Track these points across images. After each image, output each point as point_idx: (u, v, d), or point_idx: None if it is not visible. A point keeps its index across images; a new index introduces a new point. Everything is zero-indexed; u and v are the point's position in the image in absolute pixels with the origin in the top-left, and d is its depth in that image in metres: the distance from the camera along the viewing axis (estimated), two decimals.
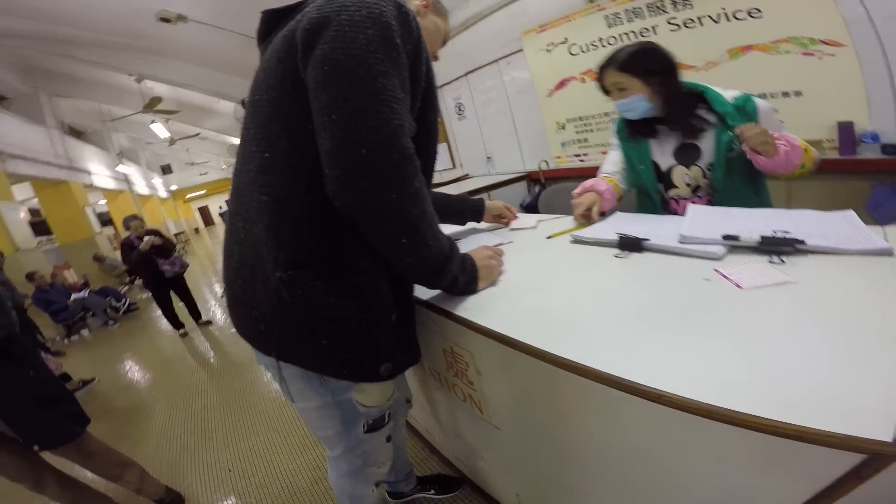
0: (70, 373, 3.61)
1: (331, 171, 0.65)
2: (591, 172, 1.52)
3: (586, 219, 1.23)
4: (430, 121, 0.81)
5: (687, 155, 1.26)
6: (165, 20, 3.88)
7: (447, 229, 1.45)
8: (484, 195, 3.30)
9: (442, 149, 4.52)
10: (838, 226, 0.85)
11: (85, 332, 5.81)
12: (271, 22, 0.82)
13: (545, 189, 3.32)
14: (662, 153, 1.31)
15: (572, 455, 0.83)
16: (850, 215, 0.89)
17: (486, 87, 3.80)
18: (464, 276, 0.85)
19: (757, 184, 1.26)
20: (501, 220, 1.42)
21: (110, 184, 10.49)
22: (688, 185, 1.29)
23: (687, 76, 2.51)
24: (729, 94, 1.21)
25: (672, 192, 1.33)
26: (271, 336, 0.77)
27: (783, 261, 0.74)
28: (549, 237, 1.19)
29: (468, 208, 1.37)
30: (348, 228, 0.72)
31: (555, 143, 3.41)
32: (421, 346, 1.07)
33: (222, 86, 5.85)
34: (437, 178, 4.57)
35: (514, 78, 3.52)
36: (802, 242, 0.76)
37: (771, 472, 0.51)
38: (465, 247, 1.20)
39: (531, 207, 3.33)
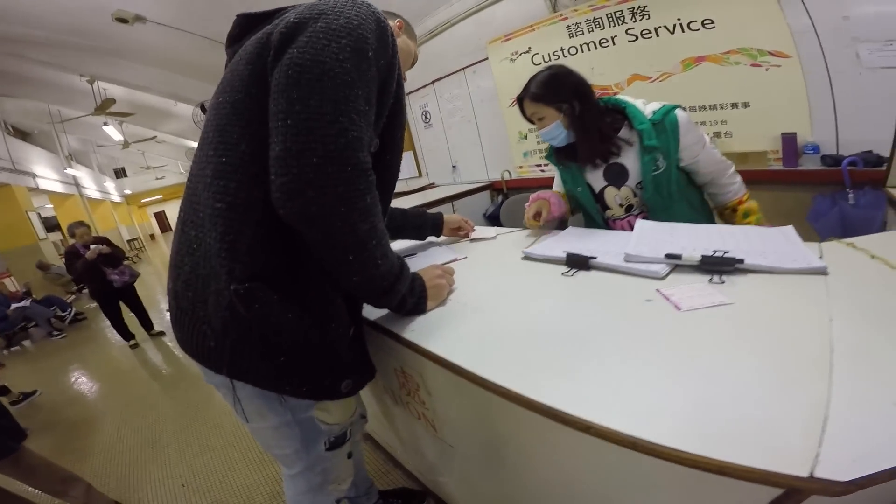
0: (10, 385, 3.39)
1: (277, 177, 0.62)
2: (552, 182, 1.54)
3: (536, 219, 1.29)
4: (396, 137, 0.81)
5: (615, 176, 1.27)
6: (122, 20, 3.68)
7: (405, 244, 1.46)
8: (448, 205, 3.30)
9: (408, 157, 4.49)
10: (777, 243, 0.88)
11: (27, 343, 5.52)
12: (245, 26, 0.80)
13: (507, 199, 3.35)
14: (594, 175, 1.31)
15: (518, 476, 0.83)
16: (789, 231, 0.92)
17: (452, 95, 3.80)
18: (412, 297, 0.84)
19: (690, 198, 1.28)
20: (459, 232, 1.42)
21: (58, 187, 9.89)
22: (620, 205, 1.31)
23: (641, 88, 2.60)
24: (650, 108, 1.21)
25: (608, 213, 1.35)
26: (222, 353, 0.72)
27: (723, 280, 0.76)
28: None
29: (427, 223, 1.37)
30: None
31: (517, 153, 3.44)
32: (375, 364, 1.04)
33: (181, 89, 5.62)
34: (402, 187, 4.50)
35: (479, 86, 3.53)
36: (742, 261, 0.78)
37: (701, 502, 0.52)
38: (423, 261, 1.19)
39: (494, 217, 3.35)
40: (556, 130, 1.21)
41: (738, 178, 1.28)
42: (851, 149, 1.94)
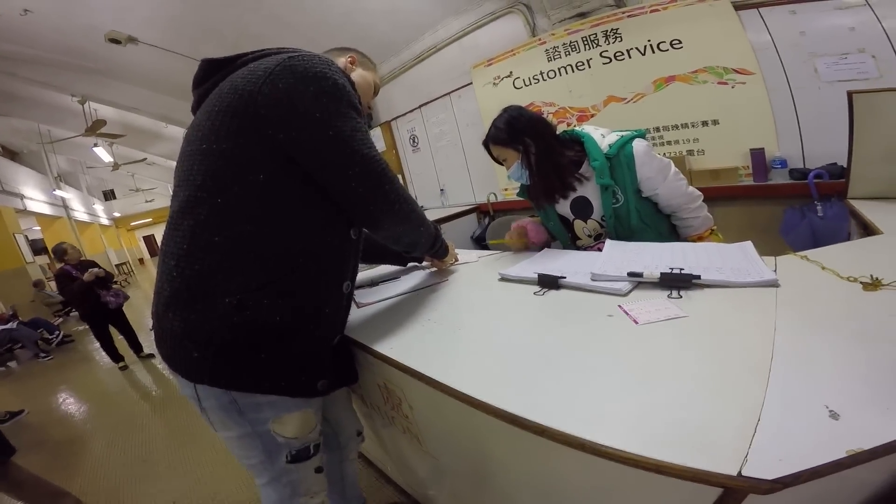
0: None
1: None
2: None
3: (517, 242, 1.40)
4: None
5: (581, 209, 1.31)
6: (115, 41, 3.75)
7: (389, 268, 1.50)
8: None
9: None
10: (735, 258, 0.94)
11: (13, 364, 5.48)
12: (209, 70, 0.88)
13: (493, 221, 3.41)
14: (563, 208, 1.36)
15: (495, 484, 0.87)
16: (748, 246, 0.98)
17: (438, 119, 3.89)
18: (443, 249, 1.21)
19: (658, 226, 1.30)
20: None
21: (46, 209, 9.82)
22: (589, 235, 1.36)
23: (617, 109, 2.71)
24: (607, 140, 1.23)
25: (579, 243, 1.40)
26: (204, 362, 0.79)
27: (681, 295, 0.82)
28: (490, 242, 1.37)
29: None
30: (299, 259, 0.81)
31: (502, 176, 3.47)
32: (360, 379, 1.08)
33: (171, 110, 5.68)
34: None
35: (464, 110, 3.63)
36: (698, 277, 0.83)
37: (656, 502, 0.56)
38: (406, 283, 1.25)
39: (481, 239, 3.41)
40: (520, 170, 1.27)
41: (703, 213, 1.30)
42: (817, 161, 2.03)
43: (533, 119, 1.26)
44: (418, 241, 1.04)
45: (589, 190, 1.27)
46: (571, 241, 1.41)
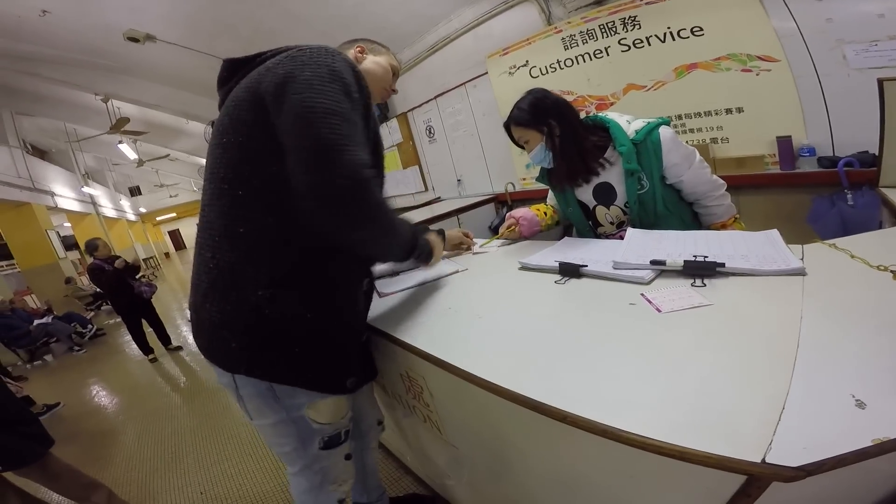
0: (33, 397, 3.53)
1: (312, 200, 0.74)
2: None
3: (509, 231, 1.45)
4: (380, 166, 0.91)
5: (604, 195, 1.30)
6: (133, 39, 3.82)
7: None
8: (454, 218, 3.36)
9: (413, 172, 4.59)
10: (760, 246, 0.92)
11: (48, 358, 5.71)
12: (231, 69, 0.90)
13: (511, 211, 3.39)
14: (585, 194, 1.35)
15: (515, 473, 0.88)
16: (774, 235, 0.96)
17: (454, 109, 3.86)
18: (426, 251, 1.05)
19: (682, 214, 1.29)
20: (461, 247, 1.48)
21: (75, 206, 10.15)
22: (611, 223, 1.34)
23: (637, 97, 2.65)
24: (633, 126, 1.22)
25: (600, 230, 1.39)
26: (242, 352, 0.83)
27: (705, 283, 0.81)
28: (481, 245, 1.44)
29: None
30: (324, 253, 0.83)
31: (520, 165, 3.47)
32: (380, 370, 1.10)
33: (191, 106, 5.79)
34: (410, 202, 4.60)
35: (480, 100, 3.59)
36: (723, 265, 0.82)
37: (676, 490, 0.56)
38: (426, 273, 1.25)
39: (498, 229, 3.39)
40: (542, 153, 1.26)
41: (726, 202, 1.28)
42: (847, 149, 1.96)
43: (558, 101, 1.25)
44: (384, 252, 0.95)
45: (613, 176, 1.26)
46: (591, 229, 1.40)
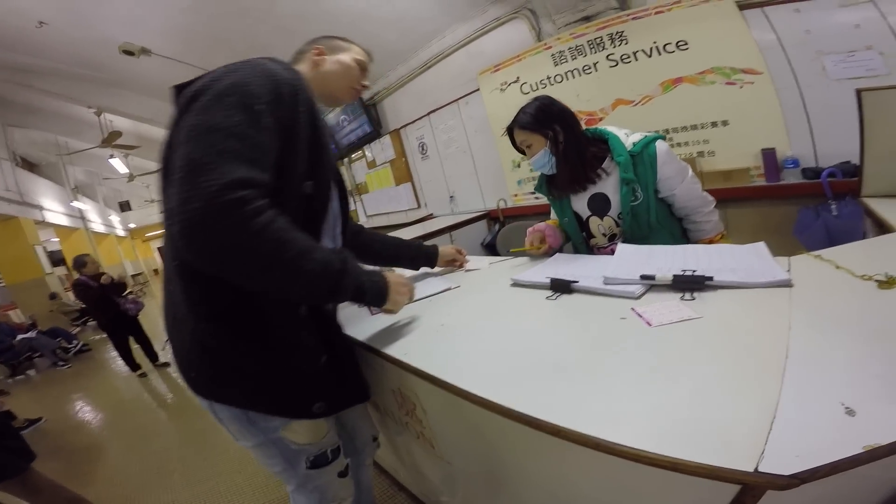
0: (15, 411, 3.42)
1: (170, 227, 0.67)
2: (546, 209, 1.61)
3: (533, 247, 1.37)
4: (320, 177, 0.85)
5: (599, 206, 1.33)
6: (129, 53, 3.83)
7: (403, 273, 1.52)
8: (447, 235, 3.37)
9: (406, 188, 4.60)
10: (748, 259, 0.93)
11: (32, 373, 5.64)
12: (176, 96, 0.83)
13: (503, 227, 3.40)
14: (580, 204, 1.37)
15: (509, 489, 0.87)
16: (761, 247, 0.98)
17: (447, 126, 3.90)
18: (371, 289, 0.86)
19: (672, 228, 1.32)
20: (454, 264, 1.48)
21: (64, 220, 10.00)
22: (604, 234, 1.36)
23: (625, 112, 2.70)
24: (632, 139, 1.26)
25: (592, 241, 1.41)
26: (201, 379, 0.84)
27: (694, 297, 0.82)
28: (511, 251, 1.37)
29: (421, 254, 1.43)
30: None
31: (511, 182, 3.50)
32: (373, 386, 1.08)
33: None
34: (402, 218, 4.59)
35: (472, 117, 3.63)
36: (711, 279, 0.83)
37: (671, 502, 0.56)
38: (419, 290, 1.24)
39: (491, 246, 3.40)
40: (545, 158, 1.28)
41: (715, 218, 1.32)
42: (829, 160, 2.01)
43: (563, 109, 1.28)
44: (276, 290, 0.77)
45: (608, 187, 1.29)
46: (585, 240, 1.42)
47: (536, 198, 3.36)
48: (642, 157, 1.22)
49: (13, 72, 4.80)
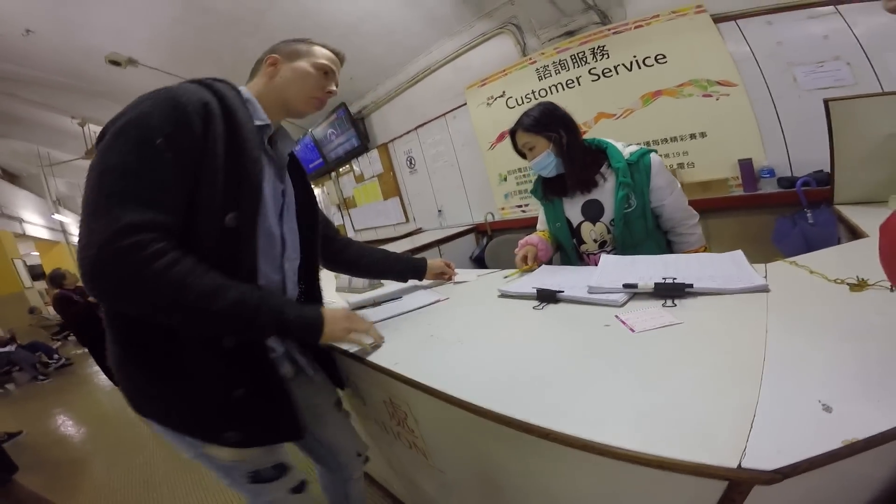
0: None
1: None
2: (533, 222, 1.64)
3: (526, 263, 1.34)
4: (246, 207, 0.81)
5: (592, 211, 1.37)
6: (115, 63, 3.77)
7: (392, 286, 1.53)
8: (436, 249, 3.37)
9: (394, 202, 4.61)
10: (726, 266, 0.97)
11: (10, 387, 5.57)
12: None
13: (491, 241, 3.42)
14: (573, 210, 1.41)
15: (504, 495, 0.87)
16: (738, 255, 1.02)
17: (434, 140, 3.92)
18: (296, 324, 0.83)
19: (658, 240, 1.37)
20: (443, 276, 1.48)
21: (44, 234, 9.79)
22: (594, 240, 1.40)
23: (608, 125, 2.76)
24: (628, 150, 1.32)
25: (583, 248, 1.44)
26: (127, 395, 0.86)
27: (675, 303, 0.85)
28: (506, 277, 1.33)
29: (409, 268, 1.43)
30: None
31: (499, 195, 3.53)
32: (364, 397, 1.08)
33: None
34: (391, 233, 4.60)
35: (459, 131, 3.66)
36: (691, 286, 0.86)
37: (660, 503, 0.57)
38: (407, 303, 1.27)
39: (479, 259, 3.42)
40: (547, 159, 1.32)
41: (699, 231, 1.37)
42: (804, 169, 2.07)
43: (566, 115, 1.34)
44: (189, 327, 0.77)
45: (603, 193, 1.33)
46: (575, 247, 1.45)
47: (523, 211, 3.41)
48: (638, 165, 1.27)
49: None
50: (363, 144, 4.58)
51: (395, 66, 3.91)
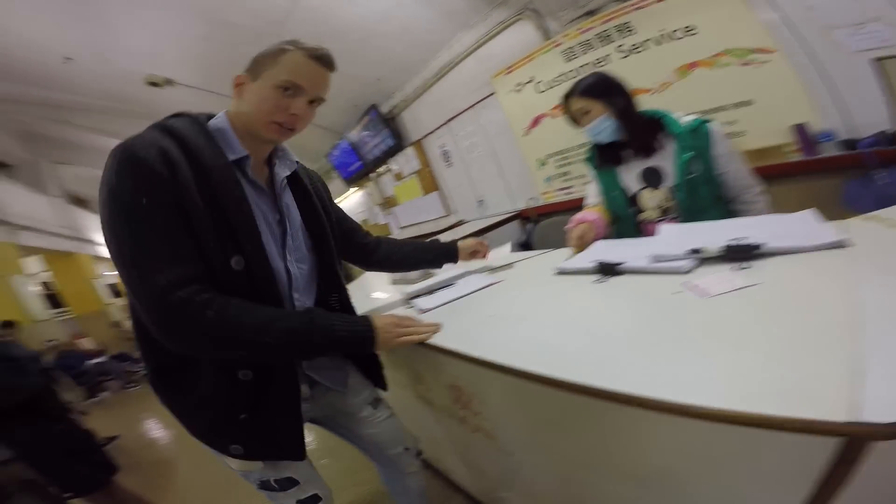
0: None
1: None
2: (578, 203, 1.60)
3: (581, 243, 1.30)
4: (249, 250, 0.81)
5: (652, 178, 1.33)
6: (154, 84, 3.94)
7: (446, 274, 1.49)
8: (481, 238, 3.36)
9: (434, 198, 4.67)
10: (798, 225, 0.92)
11: (105, 394, 6.06)
12: None
13: (537, 225, 3.36)
14: (630, 178, 1.38)
15: (582, 472, 0.86)
16: (810, 214, 0.96)
17: (467, 132, 3.92)
18: (352, 338, 0.87)
19: (721, 205, 1.31)
20: (477, 255, 1.44)
21: None
22: (656, 207, 1.35)
23: (645, 100, 2.65)
24: (685, 119, 1.29)
25: (642, 216, 1.40)
26: (164, 405, 0.94)
27: (747, 266, 0.80)
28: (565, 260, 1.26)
29: (441, 253, 1.41)
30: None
31: (539, 180, 3.48)
32: (425, 383, 1.09)
33: None
34: (432, 227, 4.66)
35: (491, 120, 3.64)
36: (761, 246, 0.81)
37: (765, 469, 0.55)
38: (461, 289, 1.26)
39: (526, 245, 3.37)
40: (604, 123, 1.29)
41: (764, 199, 1.31)
42: (861, 131, 1.95)
43: (622, 83, 1.32)
44: (248, 357, 0.83)
45: (663, 159, 1.30)
46: (632, 217, 1.41)
47: (567, 193, 3.34)
48: (698, 133, 1.25)
49: (48, 108, 4.93)
50: (398, 143, 4.65)
51: (418, 64, 3.93)
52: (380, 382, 1.16)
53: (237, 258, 0.79)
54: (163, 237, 0.73)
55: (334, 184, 6.63)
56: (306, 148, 6.01)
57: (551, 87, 3.06)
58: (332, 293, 1.04)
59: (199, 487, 2.47)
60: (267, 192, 0.91)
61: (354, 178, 5.91)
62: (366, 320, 0.90)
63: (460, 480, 1.62)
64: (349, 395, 1.10)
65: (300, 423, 0.94)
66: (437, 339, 0.95)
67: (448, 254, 1.42)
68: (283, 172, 0.94)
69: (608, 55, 2.69)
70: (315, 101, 0.87)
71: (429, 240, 1.49)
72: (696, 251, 0.88)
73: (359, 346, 0.89)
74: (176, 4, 3.11)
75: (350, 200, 6.76)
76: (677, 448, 0.63)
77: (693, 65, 2.36)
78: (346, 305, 1.07)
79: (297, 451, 0.94)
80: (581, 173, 3.15)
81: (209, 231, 0.76)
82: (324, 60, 0.86)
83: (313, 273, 1.00)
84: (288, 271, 0.92)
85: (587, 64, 2.81)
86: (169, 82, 3.98)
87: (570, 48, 2.84)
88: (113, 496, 1.63)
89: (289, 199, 0.96)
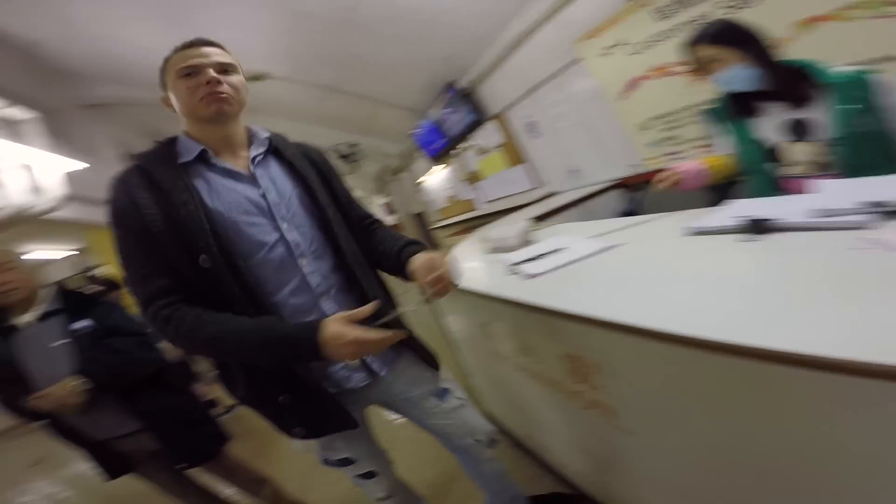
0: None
1: None
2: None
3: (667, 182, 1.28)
4: (201, 244, 0.83)
5: (799, 131, 1.17)
6: (255, 78, 4.04)
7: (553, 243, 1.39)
8: (573, 210, 3.24)
9: (520, 170, 4.55)
10: None
11: None
12: None
13: (646, 192, 3.14)
14: (769, 129, 1.23)
15: (736, 455, 0.75)
16: None
17: (553, 101, 3.74)
18: (301, 332, 0.82)
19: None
20: (437, 285, 0.99)
21: None
22: (809, 161, 1.19)
23: None
24: (834, 69, 1.12)
25: (787, 171, 1.23)
26: None
27: None
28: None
29: (395, 267, 1.07)
30: None
31: (639, 146, 3.23)
32: (535, 354, 1.06)
33: (307, 136, 6.25)
34: (518, 200, 4.52)
35: (580, 87, 3.45)
36: None
37: None
38: (568, 255, 1.19)
39: (633, 213, 3.13)
40: (740, 71, 1.17)
41: None
42: None
43: (756, 30, 1.19)
44: (236, 359, 0.94)
45: (815, 110, 1.14)
46: (769, 172, 1.26)
47: (675, 158, 3.03)
48: (857, 83, 1.08)
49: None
50: (479, 118, 4.58)
51: (490, 35, 3.81)
52: (432, 363, 1.13)
53: (203, 257, 0.83)
54: (133, 259, 0.85)
55: (419, 163, 6.82)
56: (391, 129, 6.14)
57: (648, 48, 2.81)
58: (351, 267, 0.99)
59: (304, 457, 2.63)
60: (245, 174, 0.95)
61: (439, 156, 5.98)
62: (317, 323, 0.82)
63: (554, 460, 1.55)
64: (406, 385, 1.09)
65: (330, 396, 0.97)
66: (556, 304, 0.89)
67: (399, 269, 1.05)
68: (255, 152, 0.99)
69: (706, 13, 2.39)
70: (224, 70, 0.93)
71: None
72: (876, 203, 0.75)
73: (307, 342, 0.80)
74: (254, 1, 3.24)
75: (437, 178, 6.84)
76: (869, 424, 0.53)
77: (814, 19, 2.05)
78: (371, 283, 1.01)
79: (350, 421, 0.99)
80: (691, 136, 2.86)
81: (170, 241, 0.83)
82: (195, 42, 0.93)
83: (318, 239, 0.97)
84: (285, 240, 0.92)
85: (683, 23, 2.53)
86: (266, 76, 4.14)
87: (660, 8, 2.59)
88: (222, 466, 1.74)
89: (275, 174, 0.99)
